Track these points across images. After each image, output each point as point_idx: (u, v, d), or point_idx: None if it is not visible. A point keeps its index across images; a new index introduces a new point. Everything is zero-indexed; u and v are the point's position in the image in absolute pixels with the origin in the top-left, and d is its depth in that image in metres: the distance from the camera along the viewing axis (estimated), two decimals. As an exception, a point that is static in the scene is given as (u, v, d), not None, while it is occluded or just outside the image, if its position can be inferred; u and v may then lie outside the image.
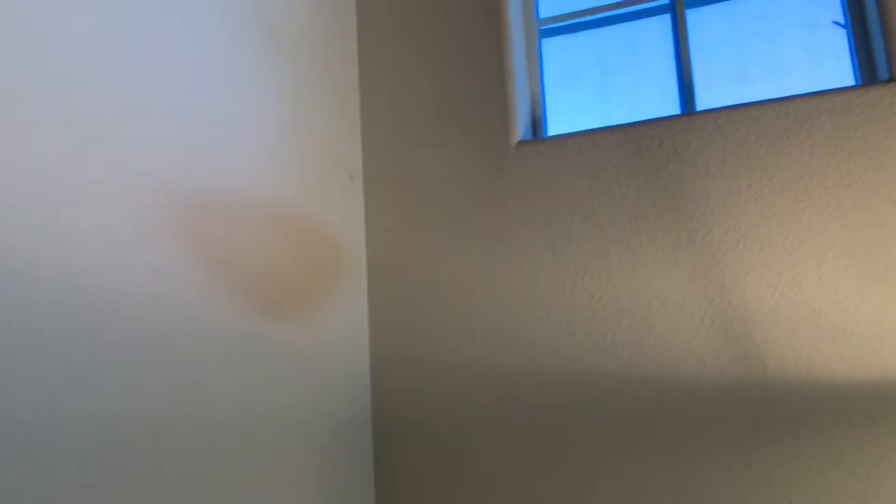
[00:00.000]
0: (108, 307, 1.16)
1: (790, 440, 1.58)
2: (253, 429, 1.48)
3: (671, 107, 1.99)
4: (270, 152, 1.65)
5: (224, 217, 1.46)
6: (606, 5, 2.04)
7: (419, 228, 1.98)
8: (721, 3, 1.97)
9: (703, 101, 1.94)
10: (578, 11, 2.07)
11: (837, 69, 1.87)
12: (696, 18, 1.98)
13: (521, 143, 1.91)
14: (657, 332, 1.72)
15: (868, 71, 1.76)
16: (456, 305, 1.91)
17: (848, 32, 1.82)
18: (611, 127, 1.84)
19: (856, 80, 1.80)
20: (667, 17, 2.00)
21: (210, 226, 1.42)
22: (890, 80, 1.63)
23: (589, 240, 1.80)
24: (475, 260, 1.90)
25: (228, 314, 1.44)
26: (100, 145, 1.18)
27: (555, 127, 2.08)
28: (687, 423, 1.66)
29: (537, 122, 2.04)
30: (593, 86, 2.14)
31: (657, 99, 2.03)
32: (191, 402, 1.32)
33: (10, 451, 0.99)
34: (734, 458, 1.62)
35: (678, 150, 1.75)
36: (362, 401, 1.91)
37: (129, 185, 1.23)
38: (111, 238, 1.18)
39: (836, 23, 1.84)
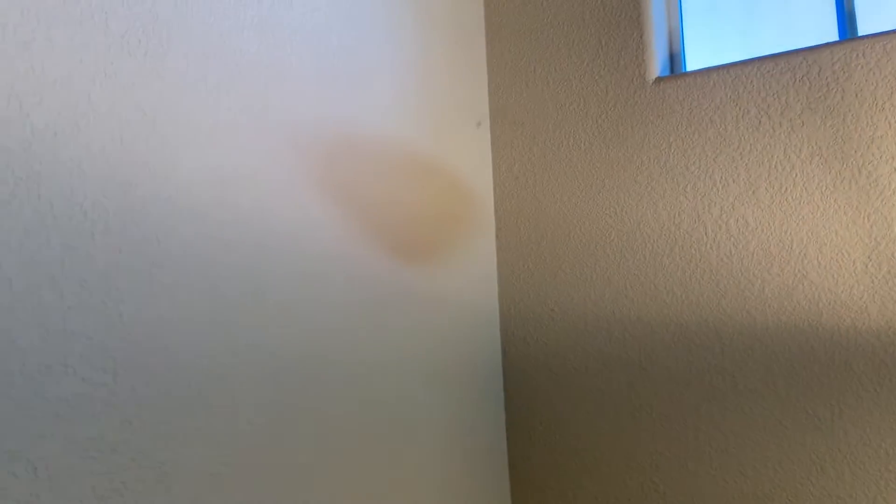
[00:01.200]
0: (249, 244, 1.18)
1: (970, 397, 1.43)
2: (387, 371, 1.49)
3: (828, 37, 1.80)
4: (402, 99, 1.63)
5: (359, 160, 1.46)
6: (753, -74, 1.87)
7: (549, 172, 1.91)
8: (890, -86, 1.75)
9: (865, 30, 1.75)
10: (721, -65, 1.91)
11: None
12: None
13: (658, 79, 1.80)
14: (812, 279, 1.58)
15: None
16: (587, 251, 1.84)
17: None
18: (760, 58, 1.69)
19: None
20: (824, -66, 1.81)
21: (346, 168, 1.42)
22: None
23: (735, 180, 1.68)
24: (608, 204, 1.82)
25: (364, 257, 1.45)
26: (241, 82, 1.19)
27: (694, 63, 1.94)
28: (848, 377, 1.53)
29: (675, 58, 1.92)
30: (736, 19, 1.98)
31: (810, 31, 1.85)
32: (330, 342, 1.33)
33: (170, 382, 1.03)
34: (903, 416, 1.48)
35: (839, 80, 1.59)
36: (493, 347, 1.89)
37: (270, 122, 1.24)
38: (252, 175, 1.20)
39: None
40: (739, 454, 1.63)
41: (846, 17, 1.75)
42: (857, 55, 1.58)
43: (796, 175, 1.62)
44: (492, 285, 1.92)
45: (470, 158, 1.89)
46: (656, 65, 1.83)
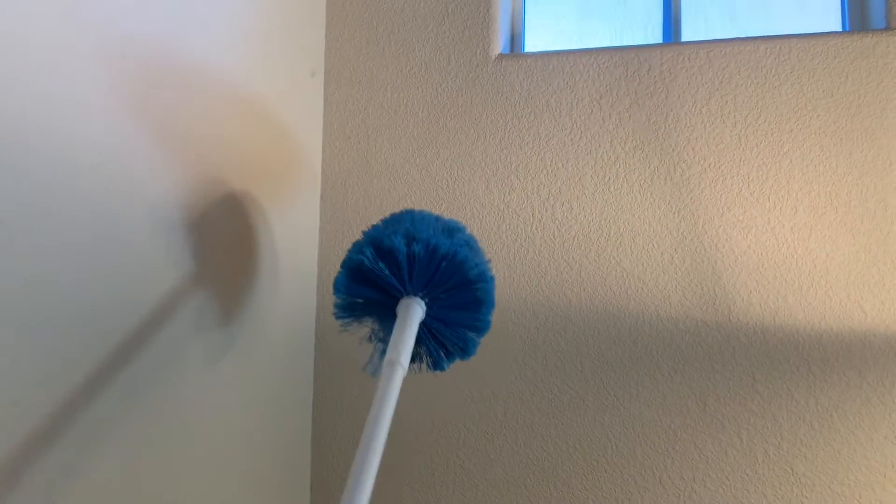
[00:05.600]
0: (43, 169, 0.98)
1: (747, 384, 1.57)
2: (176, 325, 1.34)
3: (655, 38, 1.90)
4: (232, 29, 1.46)
5: (180, 88, 1.28)
6: (601, -80, 1.92)
7: (383, 137, 1.83)
8: (720, -67, 1.88)
9: (688, 36, 1.86)
10: (570, -76, 1.94)
11: (824, 14, 1.82)
12: (692, -55, 1.88)
13: (501, 55, 1.78)
14: (625, 266, 1.66)
15: (859, 18, 1.72)
16: (416, 223, 1.79)
17: (845, -23, 1.77)
18: (598, 49, 1.73)
19: (843, 27, 1.76)
20: (662, -59, 1.90)
21: (166, 97, 1.24)
22: (886, 28, 1.59)
23: (564, 165, 1.71)
24: (441, 176, 1.78)
25: (176, 195, 1.28)
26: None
27: (530, 47, 1.96)
28: (647, 361, 1.62)
29: (516, 38, 1.92)
30: (573, 7, 2.03)
31: (640, 28, 1.94)
32: (126, 288, 1.16)
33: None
34: (691, 399, 1.59)
35: (666, 80, 1.67)
36: (307, 316, 1.78)
37: (81, 33, 1.04)
38: (55, 89, 0.99)
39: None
40: (543, 430, 1.67)
41: (672, 24, 1.85)
42: (684, 59, 1.67)
43: (619, 166, 1.68)
44: (311, 251, 1.81)
45: (300, 109, 1.76)
46: (499, 42, 1.81)
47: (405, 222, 1.18)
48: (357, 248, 1.14)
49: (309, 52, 1.81)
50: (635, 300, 1.65)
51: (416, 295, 1.10)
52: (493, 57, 1.78)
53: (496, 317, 1.71)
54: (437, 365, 1.18)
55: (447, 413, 1.73)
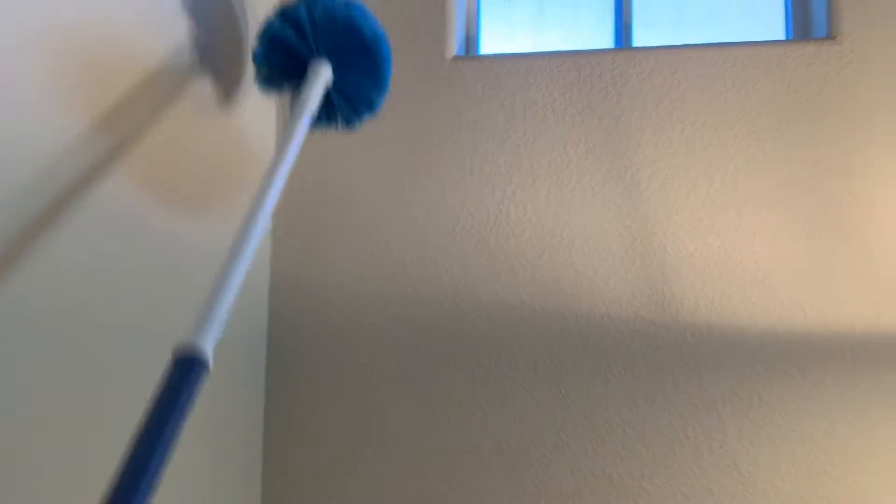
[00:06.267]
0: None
1: (694, 382, 1.62)
2: (136, 330, 1.32)
3: (606, 44, 1.93)
4: (186, 31, 1.44)
5: (129, 88, 1.26)
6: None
7: (334, 139, 1.83)
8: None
9: (639, 43, 1.90)
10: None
11: (769, 22, 1.88)
12: (643, -47, 1.92)
13: (456, 57, 1.79)
14: (577, 267, 1.69)
15: (802, 27, 1.78)
16: (372, 224, 1.79)
17: (788, -13, 1.82)
18: (551, 53, 1.76)
19: (787, 36, 1.82)
20: (614, -52, 1.93)
21: (111, 94, 1.22)
22: (828, 37, 1.65)
23: (518, 168, 1.73)
24: (394, 178, 1.79)
25: (119, 194, 1.25)
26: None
27: (485, 50, 1.97)
28: (598, 360, 1.66)
29: (471, 41, 1.93)
30: (527, 11, 2.05)
31: (593, 34, 1.97)
32: (66, 295, 1.13)
33: None
34: (640, 396, 1.63)
35: (617, 85, 1.71)
36: (259, 317, 1.77)
37: (19, 20, 1.01)
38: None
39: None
40: (496, 431, 1.69)
41: (623, 30, 1.89)
42: (634, 64, 1.70)
43: (572, 169, 1.71)
44: (264, 251, 1.80)
45: (254, 112, 1.74)
46: (454, 44, 1.82)
47: None
48: (267, 21, 1.33)
49: (262, 52, 1.79)
50: (587, 301, 1.68)
51: (322, 57, 1.30)
52: (448, 59, 1.79)
53: (449, 317, 1.73)
54: (349, 122, 1.42)
55: (402, 419, 1.73)
